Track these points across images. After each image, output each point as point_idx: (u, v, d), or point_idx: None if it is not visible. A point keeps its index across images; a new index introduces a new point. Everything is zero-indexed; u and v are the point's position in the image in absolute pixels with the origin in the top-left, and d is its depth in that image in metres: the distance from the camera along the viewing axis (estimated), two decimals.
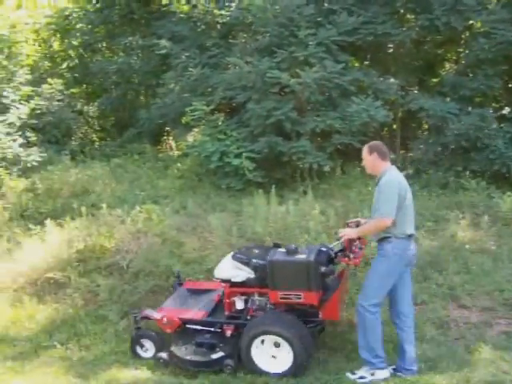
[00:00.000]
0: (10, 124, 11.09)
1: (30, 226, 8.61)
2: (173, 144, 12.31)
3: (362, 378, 5.23)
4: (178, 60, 11.11)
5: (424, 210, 8.18)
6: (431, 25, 9.69)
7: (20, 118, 11.30)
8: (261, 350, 5.44)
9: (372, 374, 5.21)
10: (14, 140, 10.81)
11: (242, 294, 5.80)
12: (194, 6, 11.23)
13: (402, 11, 10.52)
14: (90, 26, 13.84)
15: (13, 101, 11.58)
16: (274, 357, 5.45)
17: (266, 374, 5.41)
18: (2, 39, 12.97)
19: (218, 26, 11.30)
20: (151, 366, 5.82)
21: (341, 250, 5.58)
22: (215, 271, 5.92)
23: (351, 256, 5.41)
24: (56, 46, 14.56)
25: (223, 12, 11.00)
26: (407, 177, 9.18)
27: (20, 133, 11.18)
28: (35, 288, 7.78)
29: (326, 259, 5.49)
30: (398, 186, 5.12)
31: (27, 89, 11.95)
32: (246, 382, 5.34)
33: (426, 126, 10.79)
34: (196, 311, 6.02)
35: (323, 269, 5.38)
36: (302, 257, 5.33)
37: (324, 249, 5.59)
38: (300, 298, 5.33)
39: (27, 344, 6.63)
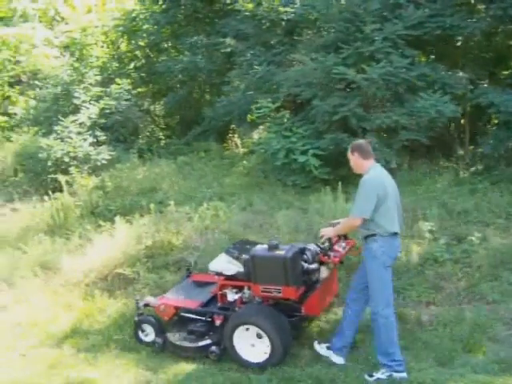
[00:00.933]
0: (80, 124, 11.42)
1: (100, 222, 8.82)
2: (238, 141, 12.36)
3: (378, 380, 5.22)
4: (242, 58, 11.19)
5: (495, 206, 7.97)
6: (504, 15, 9.33)
7: (90, 118, 11.62)
8: (243, 339, 5.65)
9: (389, 376, 5.19)
10: (85, 139, 11.13)
11: (234, 286, 6.01)
12: (259, 4, 11.25)
13: (472, 2, 10.20)
14: (155, 27, 14.03)
15: (83, 101, 11.92)
16: (254, 346, 5.64)
17: (247, 362, 5.67)
18: (74, 42, 13.40)
19: (283, 23, 11.27)
20: (217, 362, 5.86)
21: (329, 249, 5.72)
22: (210, 264, 6.14)
23: (331, 255, 5.60)
24: (123, 47, 14.84)
25: (288, 9, 10.98)
26: (476, 173, 9.05)
27: (90, 132, 11.49)
28: (106, 283, 7.96)
29: (310, 257, 5.62)
30: (375, 186, 5.14)
31: (97, 89, 12.27)
32: (312, 379, 5.30)
33: (496, 121, 10.45)
34: (191, 301, 6.29)
35: (305, 266, 5.54)
36: (280, 253, 5.44)
37: (311, 247, 5.72)
38: (280, 293, 5.48)
39: (99, 337, 6.74)
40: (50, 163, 10.64)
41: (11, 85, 16.69)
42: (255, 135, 12.09)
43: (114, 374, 5.81)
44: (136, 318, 6.46)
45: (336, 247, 5.74)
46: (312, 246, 5.77)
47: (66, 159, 10.65)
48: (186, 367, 5.81)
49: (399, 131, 9.28)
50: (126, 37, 14.59)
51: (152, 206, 8.57)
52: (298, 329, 5.95)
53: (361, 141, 5.63)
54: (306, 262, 5.58)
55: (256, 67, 10.64)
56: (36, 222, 9.52)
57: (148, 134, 13.21)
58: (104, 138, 11.68)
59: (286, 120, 10.13)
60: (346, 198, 8.37)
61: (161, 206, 8.83)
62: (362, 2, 9.57)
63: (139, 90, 13.77)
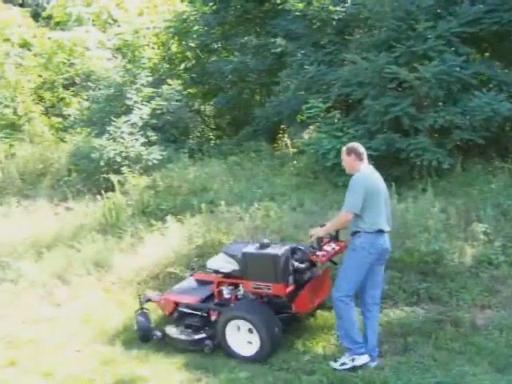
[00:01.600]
0: (132, 124, 11.58)
1: (152, 221, 8.92)
2: (288, 142, 12.33)
3: (343, 364, 5.51)
4: (293, 58, 11.16)
5: None
6: None
7: (142, 118, 11.77)
8: (235, 334, 5.94)
9: (352, 360, 5.49)
10: (137, 139, 11.26)
11: (230, 284, 6.28)
12: (309, 3, 11.18)
13: None
14: (206, 28, 14.12)
15: (135, 102, 12.10)
16: (245, 340, 5.92)
17: (238, 355, 5.95)
18: (126, 44, 13.59)
19: (334, 23, 11.16)
20: (269, 362, 5.85)
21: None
22: (207, 262, 6.51)
23: (320, 254, 5.79)
24: (174, 48, 15.00)
25: (338, 8, 10.89)
26: None
27: (141, 132, 11.63)
28: (157, 282, 8.05)
29: (301, 257, 5.93)
30: (364, 181, 5.40)
31: (148, 90, 12.41)
32: (364, 380, 5.24)
33: None
34: (190, 297, 6.54)
35: (296, 264, 5.84)
36: (270, 251, 5.75)
37: (302, 247, 6.05)
38: (270, 289, 5.76)
39: None
40: (102, 163, 10.80)
41: (65, 87, 17.08)
42: (305, 135, 12.04)
43: (165, 372, 5.85)
44: (137, 313, 6.71)
45: (326, 247, 5.94)
46: (303, 246, 6.07)
47: (118, 159, 10.79)
48: (237, 367, 5.80)
49: (452, 131, 9.10)
50: (176, 38, 14.75)
51: (203, 205, 8.62)
52: (289, 325, 6.19)
53: (356, 143, 5.83)
54: (296, 260, 5.89)
55: (307, 67, 10.59)
56: (89, 220, 9.68)
57: (198, 134, 13.31)
58: (155, 138, 11.79)
59: (336, 120, 10.06)
60: (398, 198, 8.22)
61: (211, 206, 8.88)
62: None
63: (190, 90, 13.88)
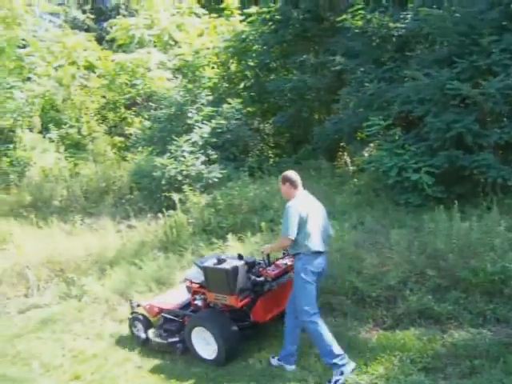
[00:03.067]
0: (193, 143, 11.71)
1: (213, 239, 8.98)
2: (348, 160, 12.23)
3: (336, 381, 5.75)
4: (353, 75, 11.09)
5: None
6: None
7: (202, 137, 11.89)
8: (199, 338, 6.55)
9: (341, 373, 5.77)
10: (197, 158, 11.36)
11: (203, 293, 6.82)
12: (369, 21, 11.14)
13: None
14: (265, 47, 14.21)
15: (196, 121, 12.24)
16: (208, 345, 6.50)
17: (202, 358, 6.57)
18: (187, 64, 13.81)
19: (394, 39, 11.07)
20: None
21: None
22: (186, 273, 7.30)
23: (270, 269, 6.43)
24: (233, 67, 15.13)
25: (398, 24, 10.80)
26: None
27: (202, 151, 11.72)
28: None
29: (258, 270, 6.49)
30: (297, 208, 5.94)
31: (209, 109, 12.55)
32: None
33: None
34: (172, 304, 7.18)
35: (253, 278, 6.40)
36: (224, 265, 6.32)
37: (260, 262, 6.60)
38: (226, 300, 6.40)
39: None
40: (163, 181, 10.95)
41: (127, 107, 17.49)
42: (365, 153, 11.91)
43: None
44: (130, 316, 7.40)
45: (280, 261, 6.60)
46: (261, 261, 6.62)
47: (179, 177, 10.91)
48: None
49: None
50: (236, 58, 14.88)
51: (263, 224, 8.61)
52: (250, 332, 6.72)
53: (290, 172, 6.33)
54: (253, 274, 6.45)
55: (367, 84, 10.52)
56: (150, 238, 9.84)
57: (258, 152, 13.33)
58: (215, 156, 11.87)
59: (397, 137, 9.93)
60: (462, 217, 8.01)
61: (271, 224, 8.87)
62: (478, 13, 9.24)
63: (249, 109, 13.96)
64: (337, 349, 5.87)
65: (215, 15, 17.20)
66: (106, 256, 9.55)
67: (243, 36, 14.60)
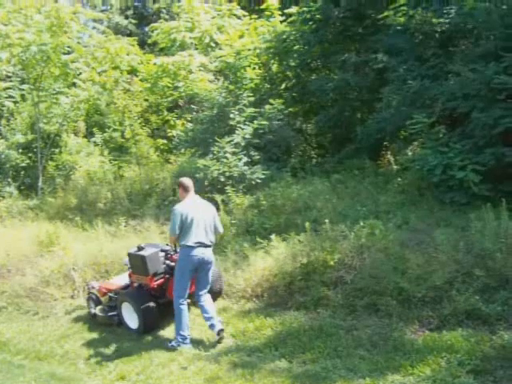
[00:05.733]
0: (235, 144, 11.72)
1: (256, 240, 8.96)
2: (392, 158, 12.07)
3: (172, 346, 7.17)
4: (395, 73, 10.93)
5: None
6: None
7: (244, 138, 11.88)
8: (128, 312, 7.81)
9: (178, 345, 7.13)
10: (240, 159, 11.37)
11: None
12: (411, 17, 10.97)
13: None
14: (306, 47, 14.12)
15: (238, 122, 12.25)
16: (133, 317, 7.72)
17: (129, 328, 7.80)
18: (229, 66, 13.84)
19: (437, 35, 10.87)
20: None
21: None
22: (123, 258, 8.38)
23: (175, 256, 7.67)
24: (275, 68, 15.08)
25: (442, 20, 10.61)
26: None
27: (244, 152, 11.72)
28: (261, 300, 8.10)
29: (170, 257, 7.81)
30: (179, 213, 7.14)
31: (251, 110, 12.54)
32: None
33: None
34: (115, 285, 8.37)
35: (167, 262, 7.75)
36: (142, 252, 7.56)
37: (167, 249, 7.85)
38: (143, 281, 7.72)
39: (255, 353, 6.85)
40: (206, 183, 10.98)
41: (170, 109, 17.62)
42: (409, 152, 11.75)
43: None
44: (86, 297, 8.66)
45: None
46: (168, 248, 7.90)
47: (222, 179, 10.94)
48: None
49: None
50: (277, 58, 14.84)
51: (307, 224, 8.57)
52: (167, 307, 7.67)
53: (185, 179, 7.55)
54: (167, 259, 7.76)
55: (410, 82, 10.35)
56: None
57: (300, 152, 13.27)
58: (258, 157, 11.85)
59: (442, 135, 9.77)
60: (511, 215, 7.82)
61: (315, 225, 8.81)
62: None
63: (291, 109, 13.90)
64: (186, 332, 7.18)
65: (255, 16, 17.18)
66: None
67: (284, 36, 14.53)
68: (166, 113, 17.69)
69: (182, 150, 13.90)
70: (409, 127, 10.12)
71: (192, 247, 7.09)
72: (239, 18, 18.43)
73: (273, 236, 8.68)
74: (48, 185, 15.17)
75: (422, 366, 5.90)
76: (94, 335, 7.95)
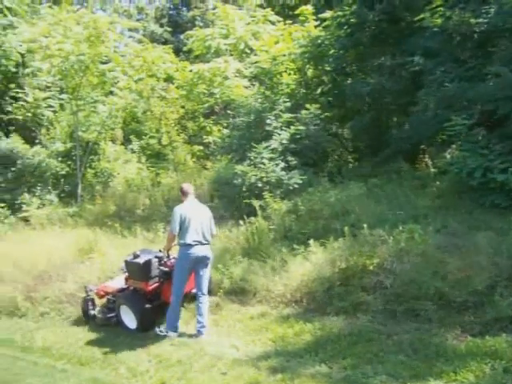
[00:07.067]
0: (272, 150, 11.74)
1: (294, 245, 8.96)
2: (429, 162, 11.94)
3: (161, 331, 7.85)
4: (432, 76, 10.82)
5: None
6: None
7: (281, 144, 11.90)
8: (126, 313, 8.36)
9: (166, 332, 7.81)
10: (277, 164, 11.38)
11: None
12: (448, 18, 10.84)
13: None
14: (341, 51, 14.08)
15: (275, 127, 12.27)
16: (131, 318, 8.28)
17: (127, 328, 8.33)
18: (264, 71, 13.89)
19: (475, 36, 10.71)
20: None
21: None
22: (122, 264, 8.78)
23: (169, 262, 8.23)
24: (310, 73, 15.06)
25: (480, 20, 10.45)
26: None
27: (281, 157, 11.72)
28: (300, 305, 8.09)
29: (164, 263, 8.23)
30: (178, 212, 7.70)
31: (287, 116, 12.55)
32: None
33: None
34: (113, 287, 8.81)
35: (161, 268, 8.18)
36: (137, 260, 8.14)
37: (161, 255, 8.25)
38: (139, 285, 8.27)
39: (294, 358, 6.80)
40: (244, 189, 11.01)
41: (206, 116, 17.75)
42: (447, 155, 11.61)
43: None
44: (83, 299, 9.00)
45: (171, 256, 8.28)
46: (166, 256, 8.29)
47: (260, 184, 10.95)
48: None
49: None
50: (312, 63, 14.82)
51: (346, 229, 8.54)
52: (162, 310, 8.17)
53: (184, 184, 8.32)
54: (161, 265, 8.19)
55: (447, 84, 10.24)
56: (232, 245, 9.90)
57: (337, 157, 13.25)
58: (295, 162, 11.82)
59: (481, 137, 9.65)
60: None
61: (353, 229, 8.77)
62: None
63: (327, 114, 13.87)
64: (176, 324, 7.84)
65: (290, 22, 17.20)
66: None
67: (319, 41, 14.49)
68: (202, 119, 17.83)
69: (219, 156, 13.97)
70: (447, 130, 10.00)
71: (190, 245, 7.67)
72: (273, 23, 18.49)
73: (311, 241, 8.67)
74: (87, 192, 15.42)
75: (465, 373, 5.81)
76: (135, 341, 8.01)
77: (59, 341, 8.48)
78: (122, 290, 8.69)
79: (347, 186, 10.81)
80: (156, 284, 8.27)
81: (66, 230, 12.99)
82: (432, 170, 11.71)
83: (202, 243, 7.77)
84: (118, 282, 8.91)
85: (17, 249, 11.56)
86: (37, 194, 15.22)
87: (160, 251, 8.39)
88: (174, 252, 8.15)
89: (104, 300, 8.93)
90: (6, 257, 11.21)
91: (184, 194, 8.04)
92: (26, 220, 14.23)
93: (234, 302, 8.65)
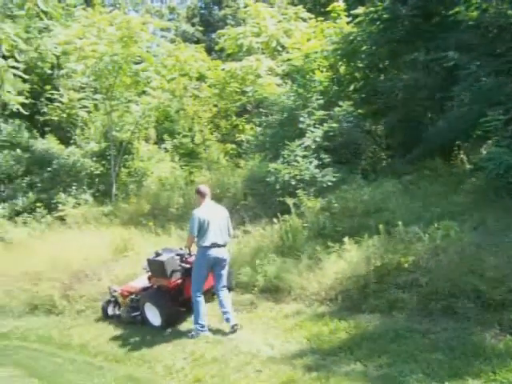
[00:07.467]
0: (306, 147, 11.72)
1: (329, 243, 8.92)
2: (464, 158, 11.77)
3: (192, 335, 7.93)
4: (467, 70, 10.66)
5: None
6: None
7: (315, 141, 11.87)
8: (149, 311, 8.60)
9: (197, 334, 7.88)
10: (310, 162, 11.36)
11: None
12: (484, 10, 10.65)
13: None
14: (373, 47, 13.97)
15: (308, 125, 12.24)
16: (155, 315, 8.52)
17: (152, 325, 8.56)
18: (297, 69, 13.87)
19: None
20: None
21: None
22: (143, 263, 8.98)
23: (190, 259, 8.37)
24: (342, 69, 14.98)
25: None
26: None
27: (315, 155, 11.69)
28: (335, 303, 8.05)
29: (185, 260, 8.43)
30: (197, 216, 7.85)
31: (320, 113, 12.51)
32: None
33: None
34: (137, 287, 9.08)
35: (183, 265, 8.36)
36: (160, 258, 8.35)
37: (182, 252, 8.47)
38: (161, 283, 8.48)
39: (329, 357, 6.76)
40: (277, 186, 11.03)
41: (238, 114, 17.78)
42: (483, 150, 11.43)
43: None
44: (107, 299, 9.41)
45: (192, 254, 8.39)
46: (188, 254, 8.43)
47: (293, 182, 10.97)
48: None
49: None
50: (344, 60, 14.73)
51: (381, 226, 8.47)
52: (186, 305, 8.50)
53: (201, 186, 8.37)
54: (183, 262, 8.39)
55: (483, 79, 10.07)
56: (266, 243, 9.91)
57: (370, 154, 13.14)
58: (328, 160, 11.78)
59: None
60: None
61: (388, 227, 8.69)
62: None
63: (360, 111, 13.78)
64: (203, 321, 7.90)
65: (322, 18, 17.12)
66: None
67: (351, 37, 14.38)
68: (234, 118, 17.87)
69: (252, 155, 13.98)
70: (482, 125, 9.84)
71: (208, 247, 7.84)
72: (305, 20, 18.44)
73: (345, 239, 8.63)
74: (121, 191, 15.59)
75: (504, 372, 5.70)
76: (169, 339, 8.08)
77: (95, 338, 8.65)
78: (145, 289, 8.94)
79: (381, 184, 10.75)
80: (178, 281, 8.46)
81: (101, 229, 13.17)
82: (467, 166, 11.54)
83: (220, 245, 7.94)
84: (141, 281, 9.15)
85: (53, 248, 11.78)
86: (72, 193, 15.46)
87: (181, 249, 8.62)
88: (195, 249, 8.26)
89: (127, 300, 9.16)
90: (43, 256, 11.42)
91: (201, 195, 8.15)
92: (61, 219, 14.46)
93: (269, 300, 8.67)
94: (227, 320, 7.92)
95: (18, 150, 16.47)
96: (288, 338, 7.40)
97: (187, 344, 7.76)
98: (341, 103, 12.87)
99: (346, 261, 8.29)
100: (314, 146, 11.86)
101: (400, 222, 8.40)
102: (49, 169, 16.11)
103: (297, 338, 7.41)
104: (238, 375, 6.68)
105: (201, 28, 33.24)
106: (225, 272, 8.11)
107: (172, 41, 20.67)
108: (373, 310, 7.60)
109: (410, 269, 7.66)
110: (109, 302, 9.41)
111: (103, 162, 16.57)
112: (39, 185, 15.93)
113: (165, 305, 8.49)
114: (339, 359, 6.66)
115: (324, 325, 7.56)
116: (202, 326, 7.90)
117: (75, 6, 20.50)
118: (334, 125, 12.20)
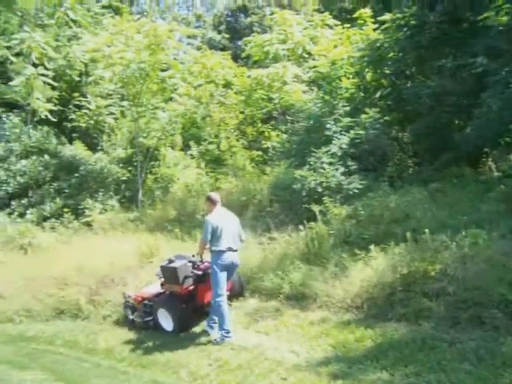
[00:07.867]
0: (332, 154, 11.69)
1: (355, 251, 8.88)
2: (492, 165, 11.65)
3: (216, 341, 7.98)
4: (496, 77, 10.55)
5: None
6: None
7: (341, 148, 11.84)
8: (163, 316, 8.79)
9: (221, 339, 7.96)
10: (336, 169, 11.33)
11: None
12: None
13: None
14: (400, 54, 13.90)
15: (334, 132, 12.22)
16: (168, 321, 8.71)
17: (165, 330, 8.74)
18: (323, 76, 13.86)
19: None
20: None
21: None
22: (157, 270, 9.10)
23: (202, 266, 8.56)
24: (369, 76, 14.93)
25: None
26: None
27: (341, 162, 11.66)
28: (361, 311, 8.01)
29: (197, 266, 8.58)
30: (210, 222, 8.04)
31: (347, 120, 12.48)
32: None
33: None
34: (150, 293, 9.25)
35: (195, 272, 8.52)
36: (173, 265, 8.53)
37: (194, 259, 8.59)
38: (174, 289, 8.63)
39: (356, 365, 6.70)
40: (303, 193, 11.02)
41: (264, 121, 17.81)
42: None
43: None
44: (123, 305, 9.62)
45: (204, 261, 8.56)
46: (195, 259, 8.62)
47: (319, 189, 10.94)
48: None
49: None
50: (371, 66, 14.68)
51: (408, 234, 8.41)
52: (198, 311, 8.82)
53: (212, 193, 8.68)
54: (194, 269, 8.55)
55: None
56: (292, 250, 9.89)
57: (397, 161, 13.05)
58: (354, 167, 11.74)
59: None
60: None
61: (415, 234, 8.62)
62: None
63: (386, 118, 13.71)
64: (226, 326, 7.96)
65: (348, 25, 17.10)
66: (249, 267, 9.72)
67: (378, 44, 14.33)
68: (260, 124, 17.90)
69: (278, 162, 13.98)
70: (511, 132, 9.72)
71: (223, 251, 8.02)
72: (331, 27, 18.43)
73: (371, 246, 8.58)
74: (147, 197, 15.70)
75: None
76: (195, 345, 8.09)
77: (121, 343, 8.67)
78: (158, 295, 9.11)
79: (408, 191, 10.67)
80: (191, 287, 8.62)
81: (127, 235, 13.26)
82: (495, 173, 11.42)
83: (232, 250, 8.13)
84: (154, 287, 9.30)
85: (80, 253, 11.90)
86: (99, 199, 15.62)
87: (193, 256, 8.73)
88: (206, 256, 8.42)
89: (141, 305, 9.29)
90: (70, 261, 11.55)
91: (213, 202, 8.34)
92: (88, 225, 14.61)
93: (294, 307, 8.63)
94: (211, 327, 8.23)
95: (46, 156, 16.70)
96: (313, 345, 7.36)
97: (212, 350, 7.76)
98: (367, 110, 12.81)
99: (373, 268, 8.24)
100: (340, 153, 11.83)
101: (427, 230, 8.33)
102: (76, 175, 16.30)
103: (322, 345, 7.37)
104: (262, 382, 6.66)
105: (227, 35, 33.43)
106: (232, 278, 8.48)
107: (198, 48, 20.82)
108: (399, 318, 7.53)
109: (437, 277, 7.59)
110: (127, 307, 9.59)
111: (130, 168, 16.71)
112: (66, 190, 16.12)
113: (177, 310, 8.67)
114: (365, 367, 6.60)
115: (350, 333, 7.50)
116: (227, 332, 7.94)
117: (103, 15, 20.76)
118: (361, 132, 12.16)
